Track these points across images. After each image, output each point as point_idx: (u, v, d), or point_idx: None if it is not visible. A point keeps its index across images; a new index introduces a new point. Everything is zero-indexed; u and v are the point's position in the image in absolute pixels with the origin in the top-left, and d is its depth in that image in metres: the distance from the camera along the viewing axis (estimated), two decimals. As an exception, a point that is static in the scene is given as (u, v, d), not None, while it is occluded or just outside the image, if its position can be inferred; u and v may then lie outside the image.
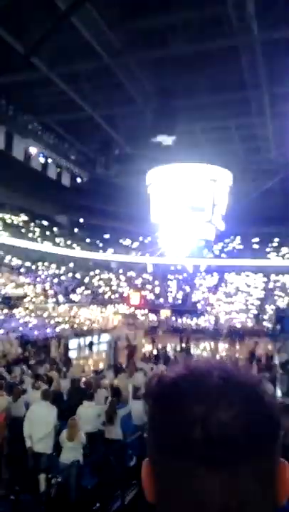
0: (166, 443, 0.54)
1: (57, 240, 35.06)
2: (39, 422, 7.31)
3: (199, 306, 35.81)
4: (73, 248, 36.00)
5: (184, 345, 22.14)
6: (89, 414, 8.22)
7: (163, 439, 0.55)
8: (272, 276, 36.37)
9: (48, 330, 25.33)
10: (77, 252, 36.17)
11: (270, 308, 33.97)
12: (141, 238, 37.64)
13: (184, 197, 20.19)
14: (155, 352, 20.04)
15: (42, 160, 24.42)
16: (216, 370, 0.56)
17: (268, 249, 36.08)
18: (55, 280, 32.71)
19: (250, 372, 0.58)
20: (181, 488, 0.52)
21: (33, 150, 23.29)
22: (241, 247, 37.36)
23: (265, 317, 33.27)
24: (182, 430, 0.52)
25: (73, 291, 33.84)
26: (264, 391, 0.56)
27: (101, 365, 18.67)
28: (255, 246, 36.37)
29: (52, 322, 27.21)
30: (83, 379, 12.44)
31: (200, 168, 18.27)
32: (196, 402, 0.53)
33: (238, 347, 23.06)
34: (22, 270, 30.60)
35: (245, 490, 0.51)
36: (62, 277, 33.91)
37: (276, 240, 35.85)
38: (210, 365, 0.57)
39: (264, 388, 0.56)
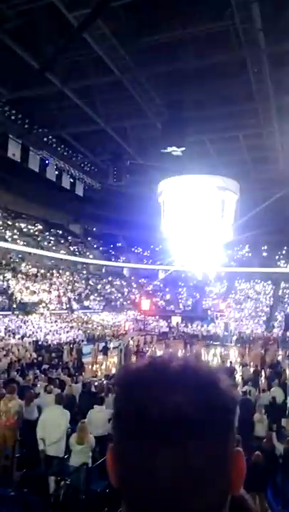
0: (125, 424, 0.57)
1: (71, 248, 35.78)
2: (52, 425, 7.36)
3: (209, 312, 36.06)
4: (87, 256, 36.65)
5: (194, 351, 22.45)
6: (99, 418, 8.30)
7: (123, 420, 0.58)
8: (282, 284, 36.43)
9: (62, 335, 25.81)
10: (90, 259, 36.79)
11: (279, 315, 34.06)
12: (152, 246, 38.09)
13: (194, 206, 20.57)
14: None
15: (56, 171, 25.08)
16: (177, 360, 0.59)
17: (276, 257, 36.20)
18: (69, 287, 33.29)
19: (210, 366, 0.61)
20: (137, 467, 0.55)
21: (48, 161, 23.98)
22: (250, 254, 37.58)
23: (275, 324, 33.33)
24: (140, 410, 0.55)
25: (86, 297, 34.37)
26: (220, 380, 0.59)
27: (113, 370, 18.95)
28: (264, 254, 36.56)
29: (66, 328, 27.74)
30: (95, 383, 12.75)
31: (209, 179, 18.66)
32: (154, 385, 0.56)
33: (247, 353, 23.19)
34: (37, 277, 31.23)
35: (196, 468, 0.54)
36: (76, 284, 34.52)
37: (285, 248, 35.93)
38: (173, 357, 0.61)
39: (221, 378, 0.59)
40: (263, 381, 15.99)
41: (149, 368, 0.59)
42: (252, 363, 19.12)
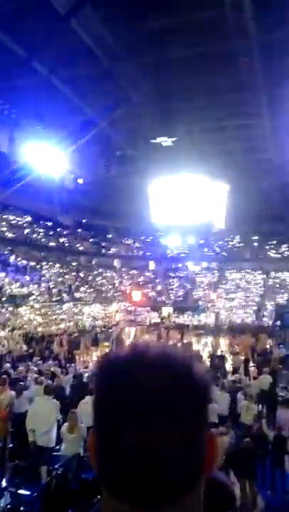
0: (103, 409, 0.61)
1: (60, 240, 35.59)
2: (41, 416, 7.47)
3: (200, 303, 36.29)
4: (77, 248, 36.49)
5: (184, 341, 22.60)
6: (90, 408, 8.55)
7: (101, 405, 0.61)
8: (272, 274, 36.77)
9: (53, 327, 25.81)
10: (80, 251, 36.65)
11: (269, 305, 34.33)
12: (143, 237, 38.07)
13: (184, 197, 20.58)
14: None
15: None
16: (154, 348, 0.62)
17: (267, 247, 36.44)
18: (60, 279, 33.21)
19: (186, 354, 0.64)
20: (113, 450, 0.58)
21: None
22: (241, 245, 37.77)
23: (265, 313, 33.62)
24: (116, 395, 0.58)
25: (77, 289, 34.33)
26: (195, 367, 0.61)
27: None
28: (255, 244, 36.75)
29: (56, 320, 27.74)
30: (86, 374, 12.80)
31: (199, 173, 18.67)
32: (131, 372, 0.58)
33: (238, 342, 23.40)
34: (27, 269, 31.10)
35: (169, 452, 0.56)
36: (66, 276, 34.44)
37: (275, 238, 36.17)
38: (151, 344, 0.63)
39: (195, 365, 0.62)
40: (253, 369, 16.19)
41: (127, 355, 0.62)
42: (242, 352, 19.30)
